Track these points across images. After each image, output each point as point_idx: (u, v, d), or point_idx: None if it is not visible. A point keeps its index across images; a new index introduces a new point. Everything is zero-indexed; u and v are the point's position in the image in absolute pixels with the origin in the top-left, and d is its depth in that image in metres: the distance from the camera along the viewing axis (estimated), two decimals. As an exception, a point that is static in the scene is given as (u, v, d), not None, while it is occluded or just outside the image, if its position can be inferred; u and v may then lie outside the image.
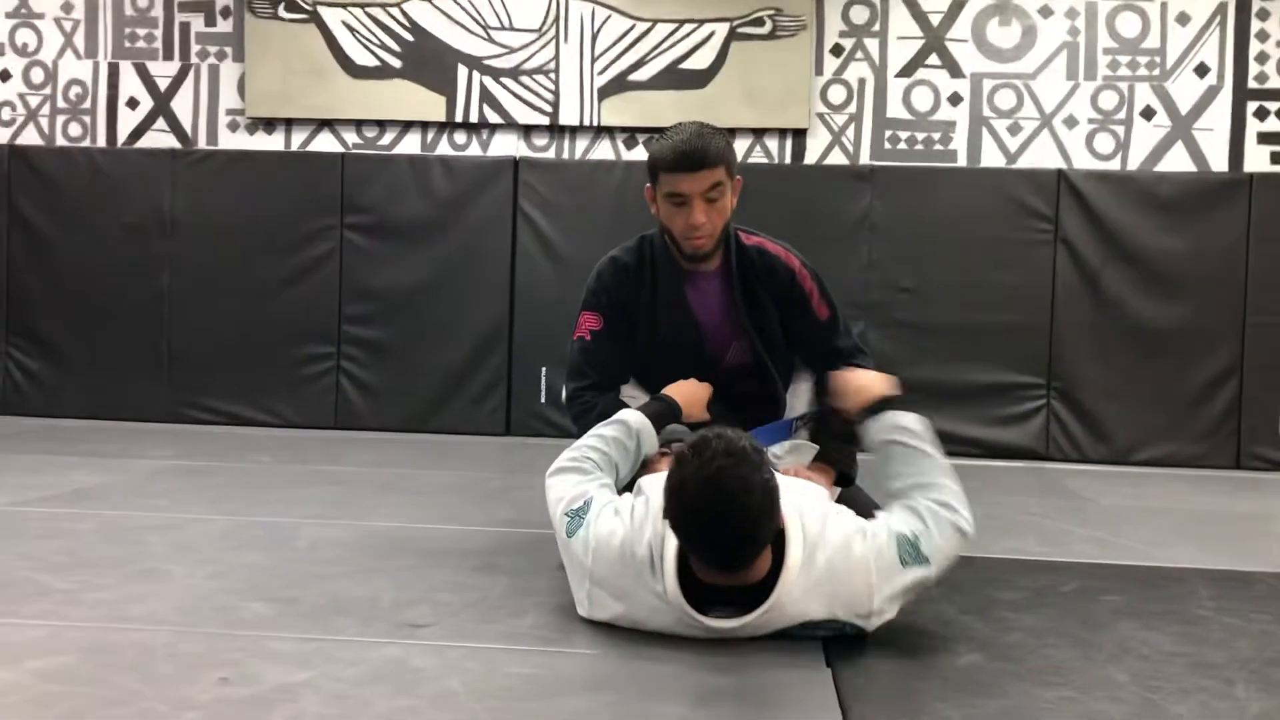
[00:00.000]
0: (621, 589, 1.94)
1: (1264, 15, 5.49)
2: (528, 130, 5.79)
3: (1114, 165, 5.54)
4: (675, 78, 5.67)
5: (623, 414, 2.31)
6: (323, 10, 5.79)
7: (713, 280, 2.51)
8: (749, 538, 1.80)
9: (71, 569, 2.36)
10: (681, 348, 2.52)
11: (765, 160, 5.67)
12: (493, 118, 5.76)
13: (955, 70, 5.63)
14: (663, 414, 2.35)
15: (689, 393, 2.41)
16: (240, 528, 2.91)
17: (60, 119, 5.96)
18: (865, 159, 5.63)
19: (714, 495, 1.76)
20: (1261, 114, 5.50)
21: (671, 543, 1.88)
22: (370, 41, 5.78)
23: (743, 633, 1.89)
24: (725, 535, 1.79)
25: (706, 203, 2.36)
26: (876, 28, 5.66)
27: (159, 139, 5.91)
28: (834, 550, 1.89)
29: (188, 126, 5.92)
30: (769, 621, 1.88)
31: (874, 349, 2.50)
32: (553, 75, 5.74)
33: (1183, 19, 5.52)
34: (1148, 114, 5.54)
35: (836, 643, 1.92)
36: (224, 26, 5.89)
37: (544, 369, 5.36)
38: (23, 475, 3.70)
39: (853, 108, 5.67)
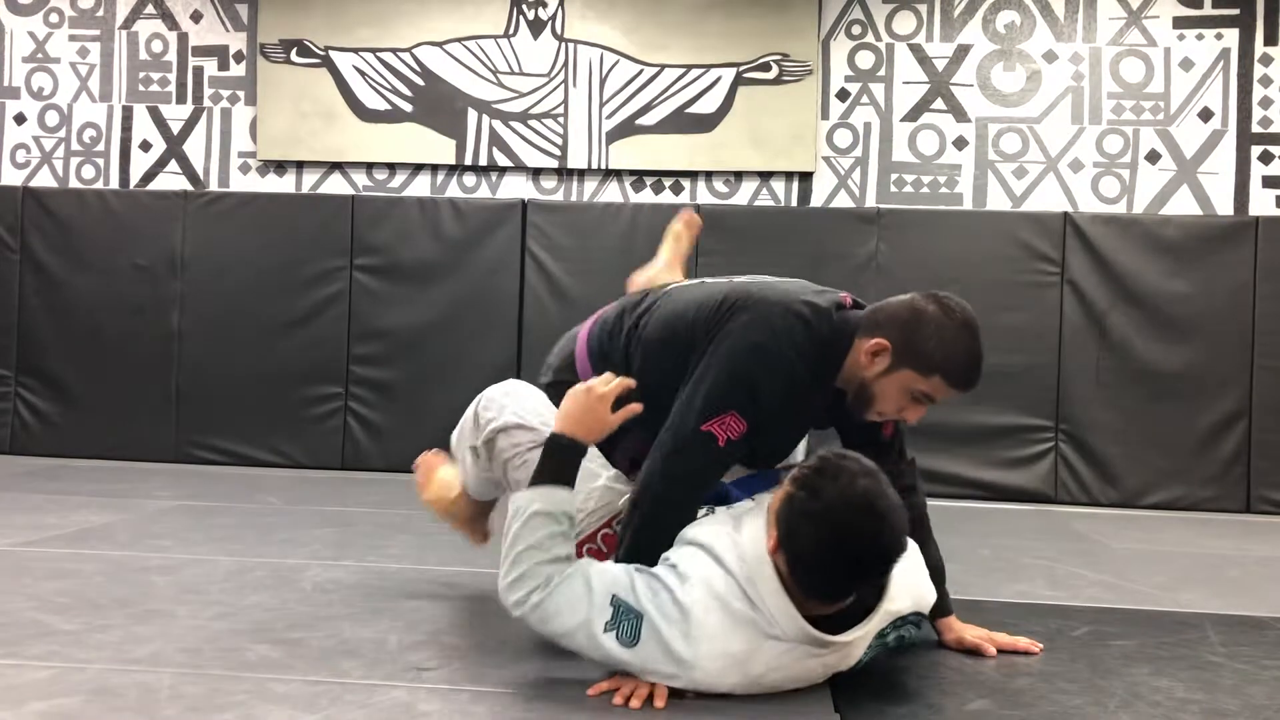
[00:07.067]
0: (732, 656, 1.78)
1: (1267, 61, 5.53)
2: (536, 173, 5.84)
3: (1119, 208, 5.56)
4: (683, 122, 5.72)
5: (525, 503, 1.89)
6: (334, 55, 5.87)
7: None
8: (898, 556, 1.77)
9: (76, 610, 2.35)
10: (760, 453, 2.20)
11: (772, 203, 5.70)
12: (502, 161, 5.81)
13: (960, 114, 5.67)
14: (567, 466, 1.93)
15: (582, 415, 1.95)
16: (246, 569, 2.90)
17: (74, 161, 6.03)
18: (871, 202, 5.67)
19: (867, 518, 1.72)
20: (1266, 158, 5.52)
21: (767, 582, 1.79)
22: (381, 85, 5.85)
23: (858, 645, 1.87)
24: (879, 559, 1.76)
25: None
26: (882, 73, 5.72)
27: (171, 181, 5.97)
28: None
29: (199, 169, 5.98)
30: (876, 626, 1.88)
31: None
32: (561, 119, 5.80)
33: (1186, 64, 5.57)
34: (1152, 158, 5.58)
35: (844, 690, 1.90)
36: (236, 70, 5.97)
37: (551, 410, 5.35)
38: (29, 515, 3.70)
39: (859, 151, 5.71)
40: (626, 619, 1.79)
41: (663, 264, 2.97)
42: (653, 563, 1.93)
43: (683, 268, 3.00)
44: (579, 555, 2.01)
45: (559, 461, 1.92)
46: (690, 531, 1.94)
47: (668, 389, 2.09)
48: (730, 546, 1.85)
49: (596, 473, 2.17)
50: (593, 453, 2.08)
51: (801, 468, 1.83)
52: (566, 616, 1.81)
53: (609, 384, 1.97)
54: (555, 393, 2.23)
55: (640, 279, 2.91)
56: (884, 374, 2.04)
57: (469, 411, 2.39)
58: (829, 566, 1.75)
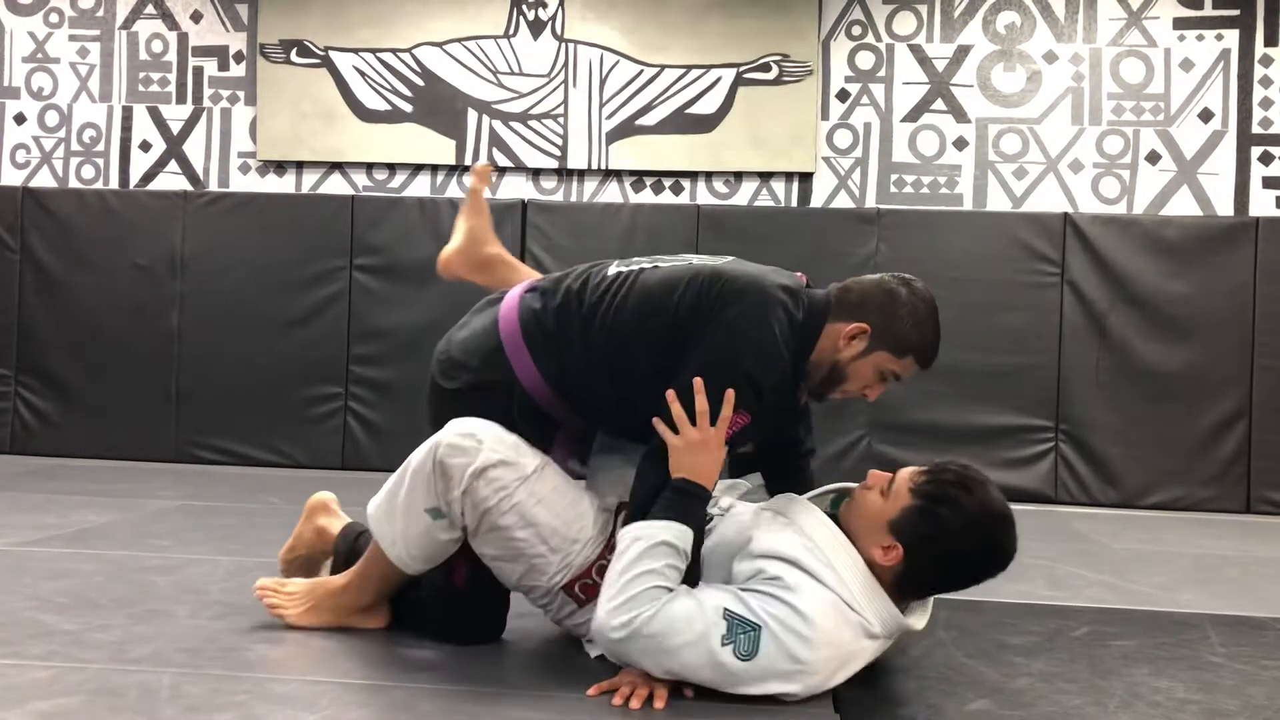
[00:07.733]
0: (844, 658, 1.84)
1: (1267, 61, 5.53)
2: (536, 173, 5.84)
3: (1119, 209, 5.56)
4: (683, 122, 5.72)
5: (651, 532, 1.86)
6: (334, 55, 5.87)
7: None
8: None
9: (76, 609, 2.35)
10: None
11: (772, 203, 5.70)
12: (502, 161, 5.81)
13: (960, 115, 5.67)
14: (696, 509, 1.93)
15: (697, 461, 1.94)
16: (246, 569, 2.90)
17: (74, 161, 6.03)
18: (871, 202, 5.67)
19: (1004, 529, 1.88)
20: (1266, 159, 5.53)
21: (867, 588, 1.86)
22: (381, 86, 5.85)
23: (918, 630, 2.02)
24: (1003, 565, 1.91)
25: None
26: (882, 73, 5.72)
27: (171, 181, 5.97)
28: None
29: (199, 169, 5.98)
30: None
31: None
32: (561, 119, 5.80)
33: (1186, 65, 5.57)
34: (1153, 158, 5.58)
35: (844, 690, 1.90)
36: (236, 71, 5.97)
37: (551, 410, 5.35)
38: (29, 515, 3.70)
39: (859, 152, 5.71)
40: (744, 632, 1.78)
41: (466, 236, 2.76)
42: None
43: (489, 227, 2.84)
44: (590, 577, 2.04)
45: (686, 503, 1.90)
46: (762, 544, 1.90)
47: (641, 376, 2.04)
48: (805, 551, 1.87)
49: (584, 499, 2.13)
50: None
51: (925, 480, 1.89)
52: (682, 632, 1.78)
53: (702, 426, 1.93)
54: (480, 396, 2.17)
55: (448, 253, 2.75)
56: (859, 356, 2.08)
57: (417, 465, 2.11)
58: (960, 573, 1.92)
